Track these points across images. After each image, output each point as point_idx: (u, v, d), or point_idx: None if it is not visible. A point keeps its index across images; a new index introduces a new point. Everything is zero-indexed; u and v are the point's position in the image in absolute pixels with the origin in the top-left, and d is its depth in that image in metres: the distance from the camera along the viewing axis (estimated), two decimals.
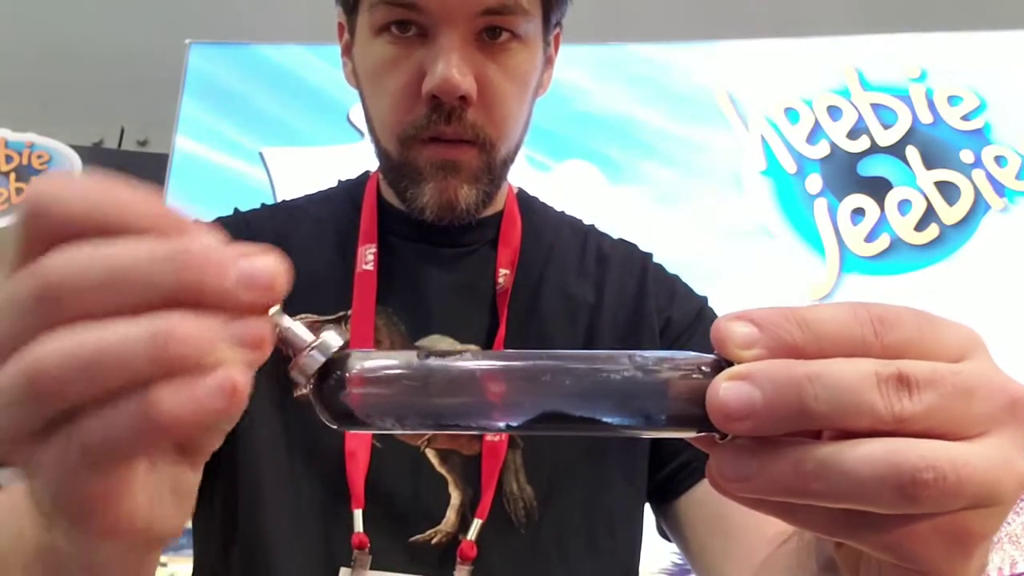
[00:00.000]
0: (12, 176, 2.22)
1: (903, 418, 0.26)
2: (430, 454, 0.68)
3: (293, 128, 2.06)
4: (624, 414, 0.26)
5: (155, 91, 2.19)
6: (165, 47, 2.20)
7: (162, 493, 0.29)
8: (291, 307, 0.77)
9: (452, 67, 0.64)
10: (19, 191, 2.21)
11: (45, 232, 0.25)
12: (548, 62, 0.76)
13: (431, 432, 0.25)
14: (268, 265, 0.26)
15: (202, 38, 2.14)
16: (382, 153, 0.73)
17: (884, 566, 0.29)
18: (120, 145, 2.63)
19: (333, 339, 0.27)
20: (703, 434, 0.27)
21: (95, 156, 2.34)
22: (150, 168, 2.16)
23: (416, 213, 0.71)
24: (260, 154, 2.04)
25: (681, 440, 0.69)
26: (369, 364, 0.27)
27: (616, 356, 0.26)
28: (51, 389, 0.24)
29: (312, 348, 0.27)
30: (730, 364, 0.26)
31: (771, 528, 0.44)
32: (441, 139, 0.68)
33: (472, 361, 0.27)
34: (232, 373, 0.25)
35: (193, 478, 0.31)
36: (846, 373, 0.26)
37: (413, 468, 0.68)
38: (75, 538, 0.29)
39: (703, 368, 0.26)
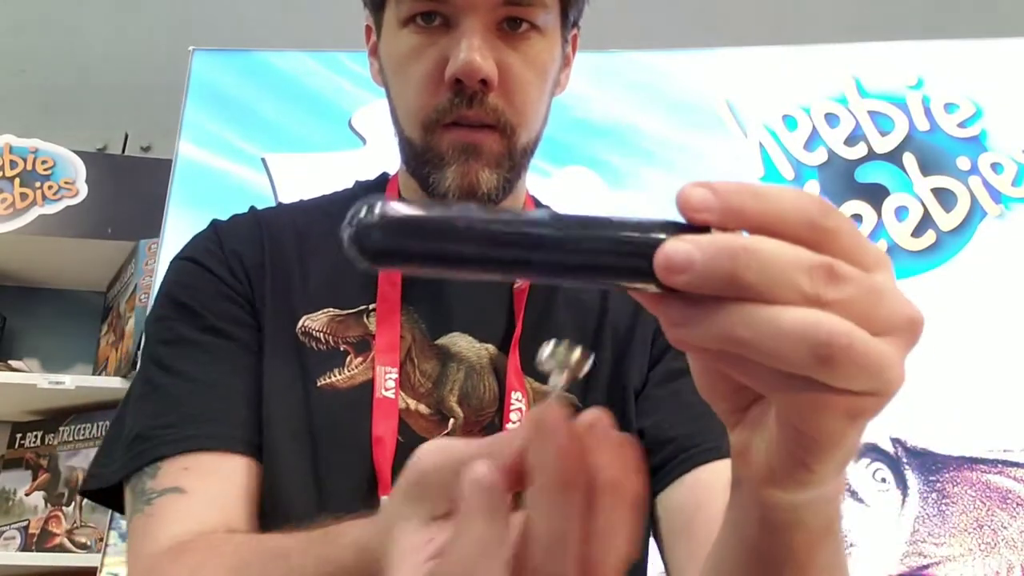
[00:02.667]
0: (16, 181, 2.24)
1: (824, 301, 0.30)
2: None
3: (296, 134, 2.07)
4: (601, 263, 0.31)
5: (158, 97, 2.20)
6: (169, 54, 2.22)
7: None
8: (312, 302, 0.81)
9: (474, 51, 0.67)
10: (23, 196, 2.22)
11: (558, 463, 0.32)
12: (566, 62, 0.79)
13: (452, 274, 0.30)
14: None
15: (205, 45, 2.16)
16: (406, 142, 0.75)
17: (772, 436, 0.34)
18: (124, 151, 2.64)
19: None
20: (651, 289, 0.31)
21: (98, 161, 2.35)
22: (153, 174, 2.17)
23: (438, 199, 0.73)
24: (263, 160, 2.05)
25: (654, 444, 0.71)
26: (402, 205, 0.30)
27: (597, 219, 0.31)
28: None
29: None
30: (697, 231, 0.30)
31: None
32: (463, 123, 0.70)
33: (487, 214, 0.31)
34: None
35: None
36: (782, 252, 0.30)
37: None
38: None
39: (663, 228, 0.31)
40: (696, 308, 0.30)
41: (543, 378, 0.73)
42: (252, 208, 0.82)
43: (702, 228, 0.31)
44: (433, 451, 0.35)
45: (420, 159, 0.73)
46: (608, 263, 0.31)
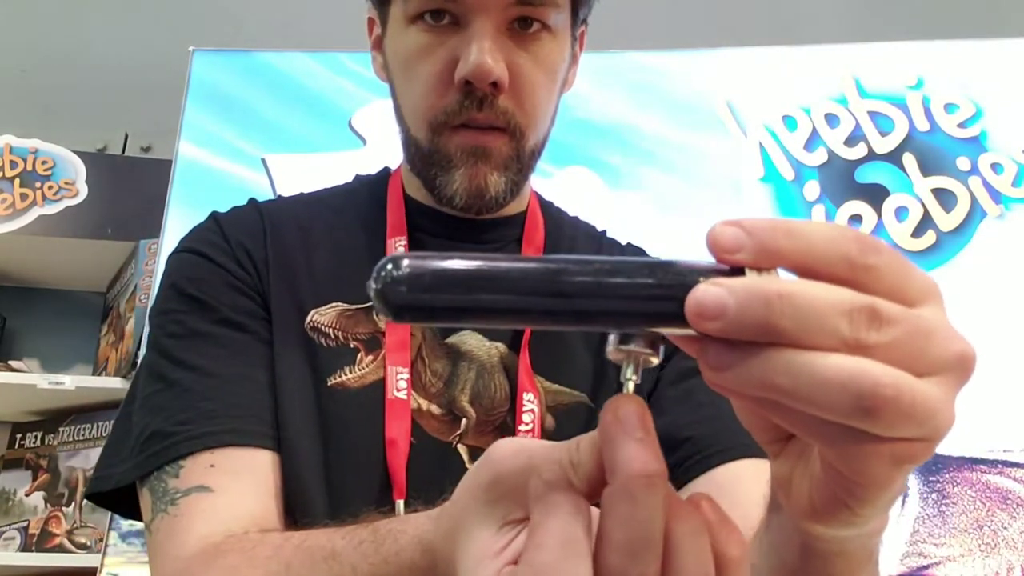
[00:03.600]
0: (16, 182, 2.23)
1: (867, 345, 0.28)
2: (461, 450, 0.69)
3: (296, 134, 2.07)
4: (632, 310, 0.30)
5: (158, 98, 2.20)
6: (169, 54, 2.22)
7: None
8: (320, 296, 0.80)
9: (485, 54, 0.66)
10: (23, 196, 2.22)
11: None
12: (574, 59, 0.78)
13: (476, 326, 0.30)
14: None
15: (205, 45, 2.16)
16: (411, 142, 0.74)
17: (818, 475, 0.32)
18: (124, 151, 2.64)
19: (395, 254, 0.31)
20: (687, 333, 0.29)
21: (99, 162, 2.34)
22: (153, 174, 2.17)
23: (445, 201, 0.72)
24: (263, 160, 2.05)
25: (669, 444, 0.70)
26: (424, 262, 0.30)
27: (627, 264, 0.30)
28: None
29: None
30: (733, 274, 0.29)
31: (752, 533, 0.46)
32: (472, 125, 0.69)
33: (514, 263, 0.30)
34: None
35: None
36: (819, 296, 0.28)
37: (445, 464, 0.69)
38: None
39: (697, 272, 0.29)
40: (733, 353, 0.28)
41: (553, 377, 0.73)
42: (252, 200, 0.81)
43: (735, 269, 0.29)
44: (509, 453, 0.34)
45: (427, 160, 0.72)
46: (640, 309, 0.30)
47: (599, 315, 0.30)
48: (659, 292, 0.29)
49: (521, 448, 0.34)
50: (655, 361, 0.32)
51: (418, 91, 0.71)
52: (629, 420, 0.31)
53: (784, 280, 0.28)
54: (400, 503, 0.65)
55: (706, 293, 0.28)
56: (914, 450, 0.29)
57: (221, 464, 0.64)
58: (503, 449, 0.35)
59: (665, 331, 0.30)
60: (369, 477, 0.67)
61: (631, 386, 0.32)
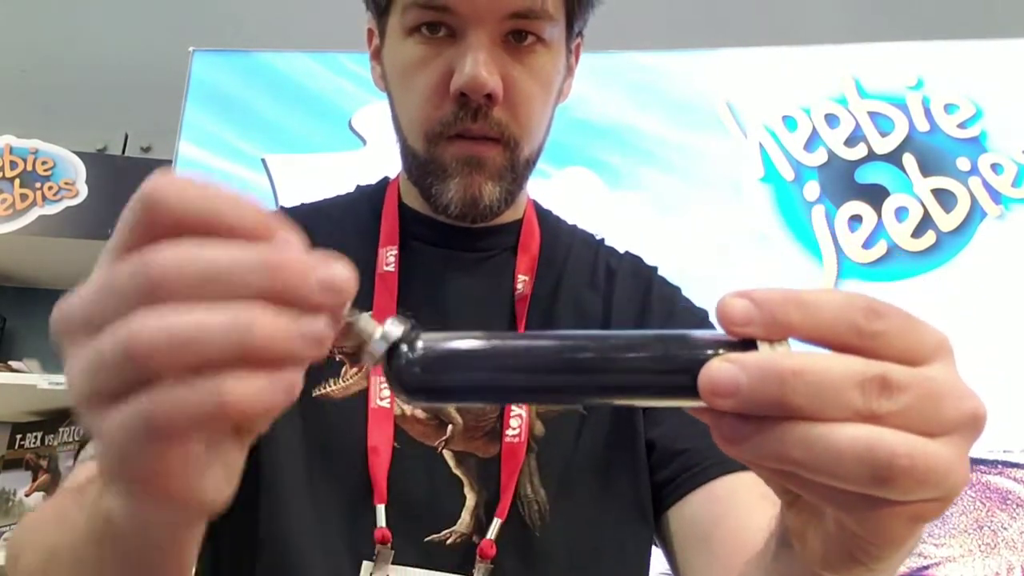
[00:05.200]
0: (16, 182, 2.24)
1: (879, 415, 0.28)
2: (447, 455, 0.69)
3: (295, 135, 2.07)
4: (645, 384, 0.30)
5: (159, 98, 2.20)
6: (169, 55, 2.22)
7: (213, 467, 0.31)
8: None
9: (480, 65, 0.66)
10: (23, 196, 2.22)
11: (155, 223, 0.28)
12: (569, 71, 0.78)
13: (492, 405, 0.30)
14: (342, 272, 0.29)
15: (205, 46, 2.16)
16: (408, 152, 0.74)
17: (834, 533, 0.33)
18: (124, 151, 2.64)
19: (395, 326, 0.30)
20: (701, 406, 0.30)
21: (99, 162, 2.35)
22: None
23: (440, 210, 0.72)
24: (263, 160, 2.05)
25: (664, 455, 0.71)
26: (437, 343, 0.30)
27: (640, 339, 0.30)
28: (140, 354, 0.27)
29: (379, 336, 0.30)
30: (744, 345, 0.29)
31: (752, 547, 0.46)
32: (467, 136, 0.69)
33: (526, 340, 0.30)
34: (296, 370, 0.28)
35: (240, 456, 0.33)
36: (831, 371, 0.28)
37: (430, 469, 0.69)
38: (128, 504, 0.32)
39: (710, 346, 0.30)
40: (748, 426, 0.29)
41: None
42: None
43: (747, 340, 0.30)
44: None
45: (423, 170, 0.72)
46: (654, 383, 0.30)
47: (613, 391, 0.30)
48: (672, 367, 0.30)
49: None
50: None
51: (414, 102, 0.71)
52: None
53: (796, 355, 0.29)
54: (380, 508, 0.65)
55: (719, 371, 0.28)
56: (929, 510, 0.30)
57: None
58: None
59: (679, 404, 0.30)
60: (351, 484, 0.67)
61: None
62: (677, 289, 0.83)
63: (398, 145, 0.76)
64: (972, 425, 0.30)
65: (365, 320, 0.31)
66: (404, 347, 0.29)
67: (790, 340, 0.30)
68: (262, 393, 0.28)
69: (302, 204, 0.85)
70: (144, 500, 0.31)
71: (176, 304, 0.27)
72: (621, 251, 0.85)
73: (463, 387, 0.30)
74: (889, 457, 0.28)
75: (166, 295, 0.27)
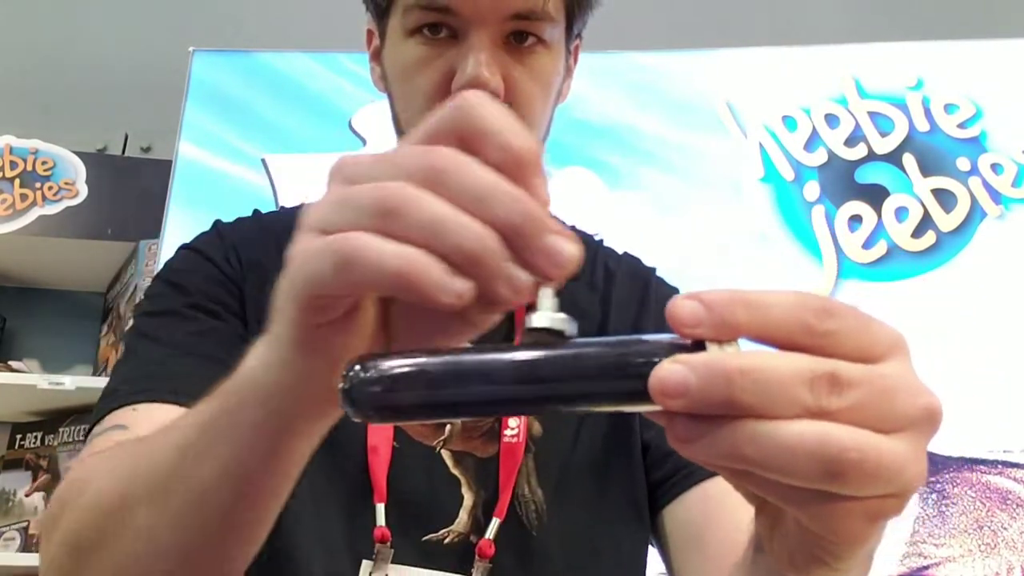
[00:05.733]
0: (16, 182, 2.24)
1: (829, 411, 0.29)
2: (445, 455, 0.70)
3: (296, 135, 2.07)
4: (599, 391, 0.31)
5: (158, 98, 2.20)
6: (169, 55, 2.22)
7: (358, 334, 0.36)
8: None
9: (481, 66, 0.67)
10: (23, 196, 2.22)
11: (454, 130, 0.33)
12: (568, 72, 0.79)
13: (448, 421, 0.30)
14: (569, 249, 0.32)
15: (205, 46, 2.16)
16: None
17: (795, 533, 0.33)
18: (124, 152, 2.63)
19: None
20: (655, 409, 0.30)
21: (99, 162, 2.35)
22: (153, 174, 2.17)
23: None
24: (263, 161, 2.06)
25: (658, 455, 0.71)
26: (388, 361, 0.30)
27: (590, 347, 0.31)
28: (390, 206, 0.31)
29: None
30: (696, 347, 0.30)
31: (743, 547, 0.46)
32: None
33: (478, 355, 0.31)
34: (473, 299, 0.31)
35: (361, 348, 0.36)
36: (779, 368, 0.29)
37: (428, 468, 0.69)
38: (285, 342, 0.36)
39: (660, 349, 0.30)
40: (700, 426, 0.29)
41: None
42: (256, 211, 0.83)
43: (698, 342, 0.30)
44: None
45: None
46: (607, 390, 0.30)
47: (568, 400, 0.31)
48: (623, 373, 0.30)
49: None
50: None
51: (415, 103, 0.72)
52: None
53: (744, 354, 0.29)
54: (380, 507, 0.66)
55: (669, 372, 0.29)
56: (885, 506, 0.30)
57: (145, 410, 0.63)
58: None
59: (635, 409, 0.31)
60: (351, 482, 0.67)
61: None
62: (675, 290, 0.83)
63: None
64: (927, 420, 0.30)
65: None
66: (357, 367, 0.30)
67: (742, 341, 0.30)
68: (444, 285, 0.30)
69: (303, 205, 0.85)
70: (303, 332, 0.35)
71: (438, 192, 0.31)
72: (620, 252, 0.86)
73: (419, 404, 0.30)
74: (839, 452, 0.28)
75: (434, 182, 0.31)
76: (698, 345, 0.30)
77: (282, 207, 0.85)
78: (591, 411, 0.31)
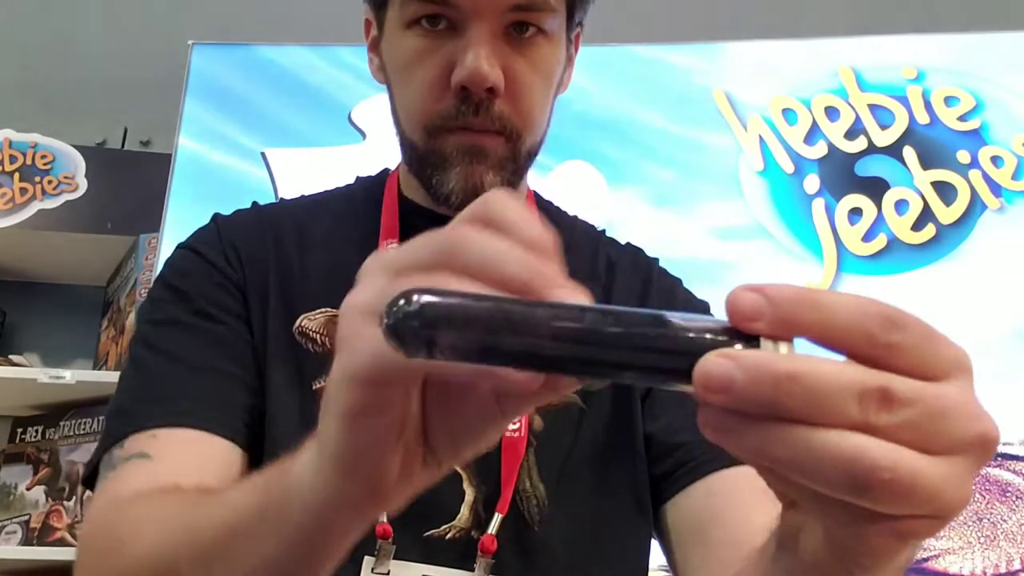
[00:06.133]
0: (16, 176, 2.23)
1: (877, 427, 0.27)
2: None
3: (295, 129, 2.07)
4: (645, 364, 0.29)
5: (158, 92, 2.20)
6: (168, 48, 2.22)
7: (410, 466, 0.36)
8: (311, 301, 0.80)
9: (481, 59, 0.66)
10: (23, 191, 2.22)
11: (474, 217, 0.34)
12: (569, 61, 0.78)
13: (487, 367, 0.29)
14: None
15: (205, 39, 2.15)
16: (408, 144, 0.74)
17: (822, 538, 0.32)
18: (123, 145, 2.63)
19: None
20: (692, 391, 0.29)
21: (98, 156, 2.34)
22: (153, 168, 2.17)
23: (441, 200, 0.72)
24: (262, 154, 2.05)
25: (662, 449, 0.71)
26: (441, 296, 0.30)
27: (643, 316, 0.30)
28: (446, 254, 0.33)
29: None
30: (748, 339, 0.29)
31: (750, 543, 0.46)
32: (469, 129, 0.69)
33: (524, 307, 0.30)
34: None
35: (424, 474, 0.38)
36: (830, 378, 0.27)
37: None
38: (340, 431, 0.35)
39: (711, 336, 0.29)
40: (733, 418, 0.28)
41: None
42: (255, 203, 0.82)
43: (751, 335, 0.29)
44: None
45: (423, 161, 0.72)
46: (651, 364, 0.29)
47: (609, 367, 0.30)
48: (671, 351, 0.29)
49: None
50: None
51: (414, 95, 0.71)
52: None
53: (796, 358, 0.28)
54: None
55: (716, 365, 0.28)
56: (918, 526, 0.29)
57: (165, 437, 0.64)
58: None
59: (673, 388, 0.30)
60: None
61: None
62: (678, 280, 0.83)
63: (397, 137, 0.76)
64: (980, 446, 0.29)
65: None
66: (403, 301, 0.29)
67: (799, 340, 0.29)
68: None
69: (302, 196, 0.85)
70: (347, 442, 0.35)
71: (469, 266, 0.32)
72: (622, 243, 0.85)
73: (460, 346, 0.29)
74: (870, 468, 0.27)
75: (462, 250, 0.32)
76: (751, 337, 0.29)
77: (281, 198, 0.85)
78: (624, 382, 0.31)
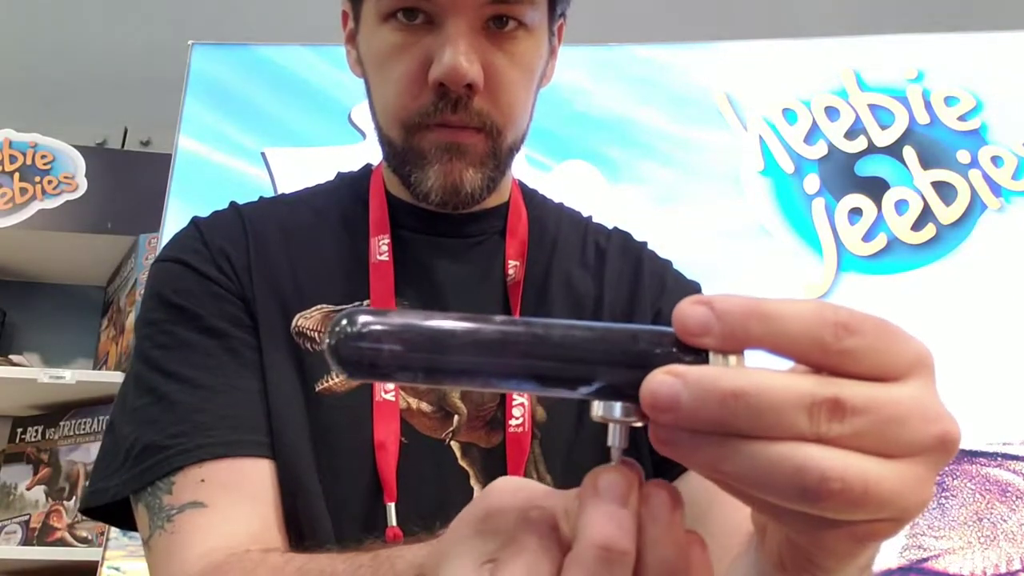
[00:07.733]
0: (16, 176, 2.23)
1: (828, 438, 0.27)
2: (454, 446, 0.69)
3: (295, 129, 2.07)
4: (589, 380, 0.29)
5: (158, 92, 2.20)
6: (168, 48, 2.21)
7: None
8: (304, 299, 0.80)
9: (460, 55, 0.65)
10: (23, 191, 2.22)
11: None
12: (552, 53, 0.77)
13: (428, 386, 0.29)
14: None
15: (205, 39, 2.15)
16: (386, 141, 0.73)
17: (784, 540, 0.32)
18: (123, 145, 2.63)
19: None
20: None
21: (98, 156, 2.34)
22: (153, 168, 2.17)
23: (421, 198, 0.71)
24: (262, 154, 2.05)
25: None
26: (375, 317, 0.29)
27: (591, 330, 0.29)
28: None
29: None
30: (697, 351, 0.28)
31: (747, 530, 0.46)
32: (447, 126, 0.68)
33: (468, 323, 0.29)
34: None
35: None
36: (778, 393, 0.27)
37: (438, 462, 0.68)
38: None
39: (658, 350, 0.28)
40: (684, 434, 0.28)
41: None
42: (233, 203, 0.79)
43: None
44: (509, 490, 0.33)
45: (402, 159, 0.71)
46: (600, 379, 0.29)
47: (554, 381, 0.29)
48: (617, 364, 0.28)
49: (521, 487, 0.34)
50: (638, 424, 0.30)
51: (392, 91, 0.70)
52: (606, 490, 0.29)
53: (742, 373, 0.27)
54: (391, 506, 0.65)
55: (661, 384, 0.27)
56: (876, 529, 0.29)
57: (213, 478, 0.63)
58: (503, 485, 0.34)
59: (619, 404, 0.29)
60: (360, 481, 0.66)
61: (615, 454, 0.31)
62: (668, 262, 0.83)
63: (375, 132, 0.75)
64: (939, 448, 0.28)
65: None
66: (345, 321, 0.29)
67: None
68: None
69: (283, 195, 0.84)
70: None
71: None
72: (609, 227, 0.85)
73: (404, 366, 0.29)
74: (819, 480, 0.26)
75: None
76: (700, 353, 0.28)
77: (260, 197, 0.83)
78: (570, 397, 0.30)
